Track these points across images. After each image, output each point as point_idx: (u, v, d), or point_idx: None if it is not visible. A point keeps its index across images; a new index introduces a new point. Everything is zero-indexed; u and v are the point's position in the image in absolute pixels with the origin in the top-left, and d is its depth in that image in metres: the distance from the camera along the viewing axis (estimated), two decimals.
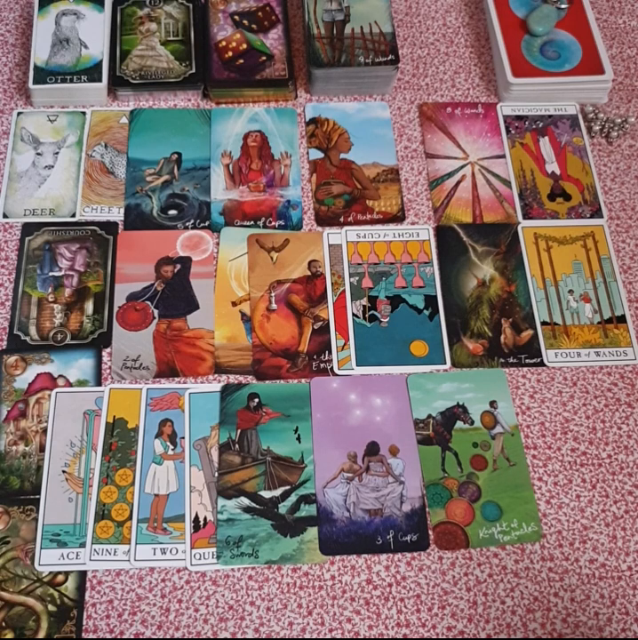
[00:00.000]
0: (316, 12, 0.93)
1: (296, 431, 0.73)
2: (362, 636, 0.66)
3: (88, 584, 0.67)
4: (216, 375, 0.77)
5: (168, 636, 0.65)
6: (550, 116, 0.93)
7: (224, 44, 0.91)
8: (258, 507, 0.70)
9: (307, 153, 0.90)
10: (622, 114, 0.94)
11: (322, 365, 0.77)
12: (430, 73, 0.97)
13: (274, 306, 0.80)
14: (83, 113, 0.90)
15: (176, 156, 0.88)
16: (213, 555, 0.68)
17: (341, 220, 0.86)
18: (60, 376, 0.75)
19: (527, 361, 0.78)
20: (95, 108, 0.91)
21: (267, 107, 0.92)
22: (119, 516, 0.69)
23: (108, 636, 0.65)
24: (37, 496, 0.69)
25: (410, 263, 0.83)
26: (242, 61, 0.91)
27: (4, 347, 0.77)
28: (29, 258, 0.81)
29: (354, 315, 0.80)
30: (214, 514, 0.69)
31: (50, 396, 0.74)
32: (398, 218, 0.86)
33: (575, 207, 0.87)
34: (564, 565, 0.69)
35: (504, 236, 0.85)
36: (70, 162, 0.87)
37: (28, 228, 0.83)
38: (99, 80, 0.89)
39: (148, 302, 0.80)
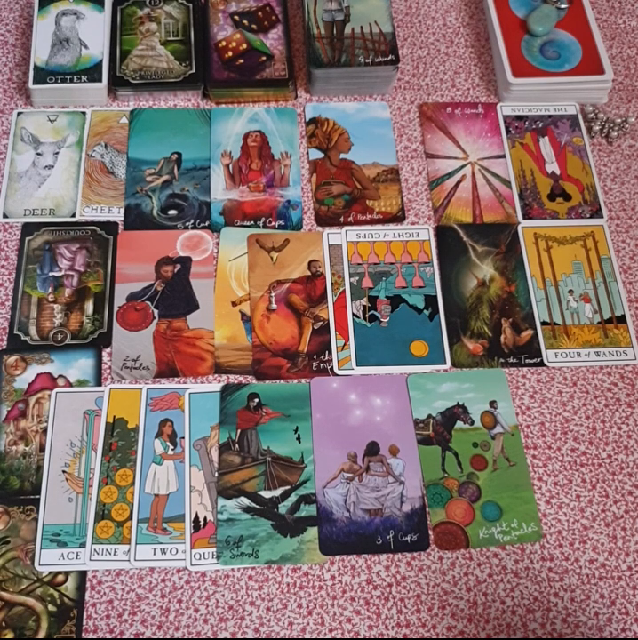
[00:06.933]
0: (316, 12, 0.93)
1: (296, 431, 0.73)
2: (362, 636, 0.66)
3: (88, 584, 0.67)
4: (216, 375, 0.77)
5: (168, 636, 0.65)
6: (550, 116, 0.93)
7: (224, 44, 0.91)
8: (258, 507, 0.70)
9: (307, 153, 0.90)
10: (622, 114, 0.94)
11: (322, 365, 0.77)
12: (430, 73, 0.97)
13: (274, 306, 0.80)
14: (83, 113, 0.90)
15: (176, 155, 0.88)
16: (213, 555, 0.68)
17: (341, 220, 0.86)
18: (60, 376, 0.75)
19: (527, 361, 0.78)
20: (95, 108, 0.91)
21: (267, 107, 0.92)
22: (119, 516, 0.69)
23: (108, 636, 0.65)
24: (37, 496, 0.69)
25: (410, 263, 0.83)
26: (242, 61, 0.91)
27: (4, 347, 0.77)
28: (29, 258, 0.81)
29: (354, 315, 0.80)
30: (214, 514, 0.69)
31: (50, 396, 0.74)
32: (398, 218, 0.86)
33: (575, 207, 0.87)
34: (564, 565, 0.69)
35: (504, 236, 0.85)
36: (70, 162, 0.87)
37: (28, 228, 0.83)
38: (99, 80, 0.89)
39: (148, 302, 0.80)
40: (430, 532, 0.70)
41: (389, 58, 0.90)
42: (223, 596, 0.67)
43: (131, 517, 0.69)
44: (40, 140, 0.88)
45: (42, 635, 0.65)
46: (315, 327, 0.79)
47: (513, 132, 0.92)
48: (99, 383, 0.75)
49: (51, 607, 0.66)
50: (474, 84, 0.96)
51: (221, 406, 0.74)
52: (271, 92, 0.91)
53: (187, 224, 0.84)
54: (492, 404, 0.76)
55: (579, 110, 0.93)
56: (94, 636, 0.65)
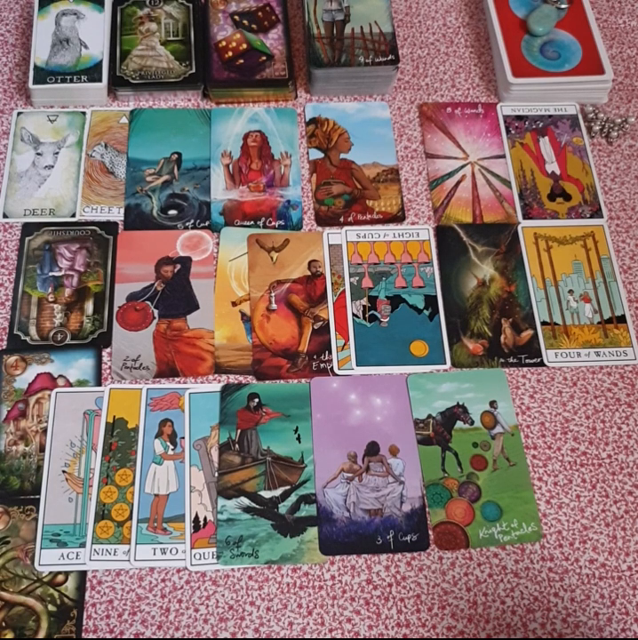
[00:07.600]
0: (316, 12, 0.93)
1: (296, 431, 0.73)
2: (362, 636, 0.66)
3: (88, 584, 0.67)
4: (216, 375, 0.77)
5: (168, 636, 0.65)
6: (550, 116, 0.93)
7: (224, 44, 0.91)
8: (258, 507, 0.70)
9: (307, 153, 0.90)
10: (622, 114, 0.94)
11: (322, 365, 0.77)
12: (430, 73, 0.97)
13: (274, 306, 0.80)
14: (83, 113, 0.90)
15: (176, 155, 0.88)
16: (213, 555, 0.68)
17: (341, 220, 0.86)
18: (60, 376, 0.75)
19: (527, 361, 0.78)
20: (95, 108, 0.91)
21: (267, 107, 0.92)
22: (119, 516, 0.69)
23: (108, 636, 0.65)
24: (37, 496, 0.69)
25: (410, 263, 0.83)
26: (242, 61, 0.91)
27: (4, 347, 0.77)
28: (29, 258, 0.81)
29: (354, 315, 0.80)
30: (214, 514, 0.69)
31: (50, 396, 0.74)
32: (398, 218, 0.86)
33: (575, 207, 0.87)
34: (564, 565, 0.69)
35: (504, 236, 0.85)
36: (70, 162, 0.87)
37: (28, 228, 0.83)
38: (99, 80, 0.89)
39: (148, 302, 0.80)
40: (430, 532, 0.70)
41: (389, 58, 0.90)
42: (223, 595, 0.67)
43: (131, 517, 0.69)
44: (40, 140, 0.88)
45: (42, 635, 0.65)
46: (315, 327, 0.79)
47: (513, 132, 0.92)
48: (99, 383, 0.75)
49: (51, 607, 0.66)
50: (474, 84, 0.96)
51: (221, 406, 0.74)
52: (271, 92, 0.91)
53: (187, 224, 0.84)
54: (492, 404, 0.76)
55: (579, 110, 0.93)
56: (94, 636, 0.65)
